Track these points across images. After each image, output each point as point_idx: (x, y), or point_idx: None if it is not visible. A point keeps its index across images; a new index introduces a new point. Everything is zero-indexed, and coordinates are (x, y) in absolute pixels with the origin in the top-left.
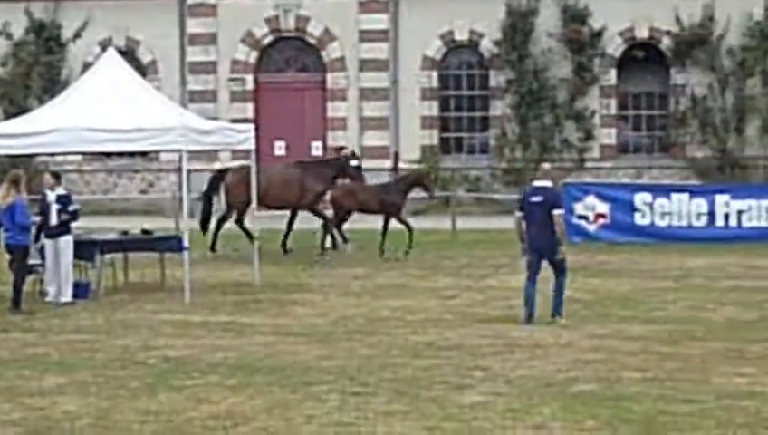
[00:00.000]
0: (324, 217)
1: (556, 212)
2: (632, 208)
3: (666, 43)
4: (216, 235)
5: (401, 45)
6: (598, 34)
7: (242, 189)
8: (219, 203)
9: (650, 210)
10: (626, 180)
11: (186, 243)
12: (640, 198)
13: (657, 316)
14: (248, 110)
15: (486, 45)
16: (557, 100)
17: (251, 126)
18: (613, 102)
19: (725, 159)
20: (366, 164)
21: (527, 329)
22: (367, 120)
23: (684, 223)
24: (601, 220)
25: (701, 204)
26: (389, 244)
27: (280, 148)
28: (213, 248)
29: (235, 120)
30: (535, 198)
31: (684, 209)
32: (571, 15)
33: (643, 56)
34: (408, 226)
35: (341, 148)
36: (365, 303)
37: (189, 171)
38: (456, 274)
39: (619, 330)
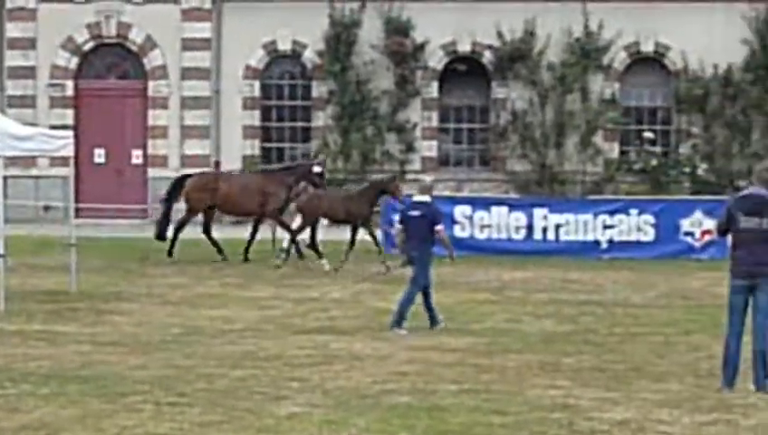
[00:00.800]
0: (287, 227)
1: (438, 228)
2: (452, 221)
3: (487, 57)
4: (174, 240)
5: (224, 54)
6: (420, 47)
7: (203, 195)
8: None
9: (470, 223)
10: (446, 193)
11: (0, 250)
12: (460, 211)
13: (475, 329)
14: (68, 116)
15: (309, 56)
16: (379, 111)
17: (70, 132)
18: (435, 115)
19: (544, 173)
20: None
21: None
22: (188, 129)
23: (503, 236)
24: None
25: (520, 217)
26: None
27: (100, 155)
28: (170, 253)
29: (54, 127)
30: (414, 213)
31: (503, 222)
32: (395, 28)
33: (465, 70)
34: (373, 236)
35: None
36: (183, 312)
37: (6, 177)
38: (277, 284)
39: (438, 342)
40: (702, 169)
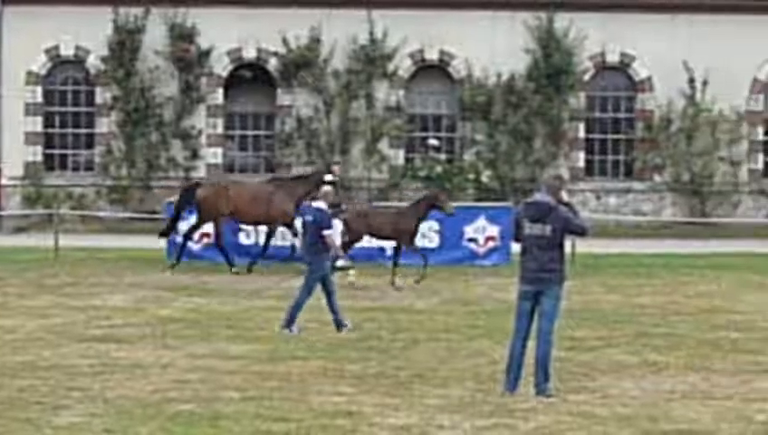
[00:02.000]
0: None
1: (325, 233)
2: (238, 229)
3: (273, 63)
4: (182, 248)
5: (4, 60)
6: (205, 54)
7: (215, 203)
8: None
9: (255, 230)
10: None
11: None
12: None
13: (259, 335)
14: None
15: (93, 61)
16: (164, 118)
17: None
18: (220, 122)
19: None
20: None
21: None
22: None
23: (287, 243)
24: (206, 239)
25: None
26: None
27: None
28: (178, 260)
29: None
30: (308, 218)
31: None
32: (179, 34)
33: (250, 76)
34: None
35: (335, 163)
36: None
37: None
38: (58, 292)
39: (221, 349)
40: (486, 175)
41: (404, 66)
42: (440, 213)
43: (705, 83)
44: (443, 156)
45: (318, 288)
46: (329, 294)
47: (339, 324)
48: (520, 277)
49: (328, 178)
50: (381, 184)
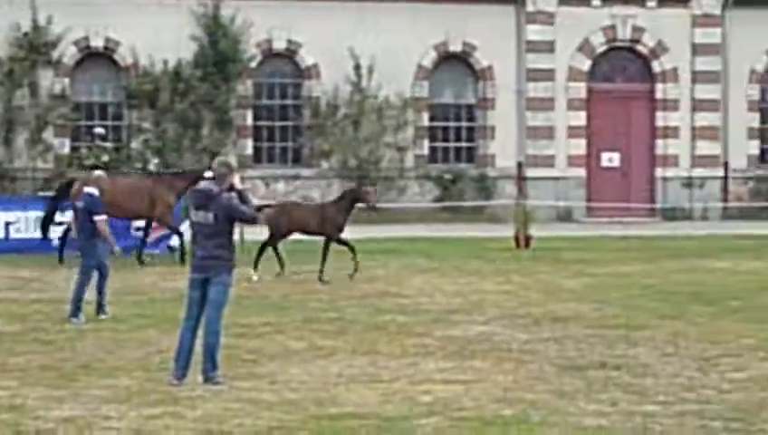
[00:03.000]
0: (176, 230)
1: (97, 219)
2: None
3: None
4: (62, 244)
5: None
6: None
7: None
8: None
9: None
10: None
11: None
12: None
13: None
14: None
15: None
16: None
17: None
18: None
19: None
20: None
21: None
22: None
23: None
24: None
25: None
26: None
27: None
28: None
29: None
30: (80, 204)
31: None
32: None
33: None
34: (349, 245)
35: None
36: None
37: None
38: None
39: None
40: (153, 163)
41: (69, 54)
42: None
43: (370, 70)
44: (110, 144)
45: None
46: (101, 278)
47: (100, 309)
48: (191, 266)
49: (208, 174)
50: (47, 174)
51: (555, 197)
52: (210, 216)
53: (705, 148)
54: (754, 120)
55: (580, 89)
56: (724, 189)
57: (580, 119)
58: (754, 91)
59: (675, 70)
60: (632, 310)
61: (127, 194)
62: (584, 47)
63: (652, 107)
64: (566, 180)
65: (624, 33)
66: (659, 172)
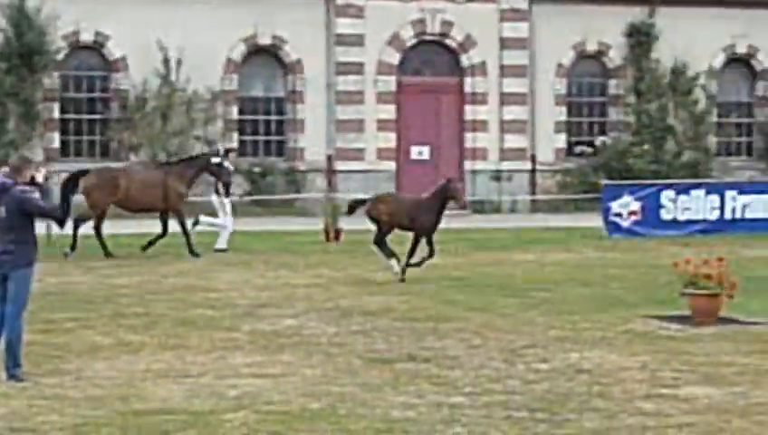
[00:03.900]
0: (183, 222)
1: None
2: None
3: None
4: (75, 235)
5: None
6: None
7: (102, 192)
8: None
9: None
10: None
11: None
12: None
13: None
14: None
15: None
16: None
17: None
18: None
19: None
20: None
21: None
22: None
23: None
24: None
25: None
26: None
27: None
28: (73, 247)
29: None
30: None
31: None
32: None
33: None
34: (431, 246)
35: (231, 150)
36: None
37: None
38: None
39: None
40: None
41: None
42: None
43: (179, 63)
44: None
45: None
46: None
47: None
48: None
49: (215, 160)
50: None
51: (365, 190)
52: (2, 210)
53: (513, 141)
54: (561, 113)
55: (389, 82)
56: (532, 182)
57: (389, 112)
58: (561, 86)
59: (483, 64)
60: (441, 302)
61: (140, 186)
62: (394, 41)
63: (461, 100)
64: (376, 173)
65: (433, 27)
66: (468, 165)
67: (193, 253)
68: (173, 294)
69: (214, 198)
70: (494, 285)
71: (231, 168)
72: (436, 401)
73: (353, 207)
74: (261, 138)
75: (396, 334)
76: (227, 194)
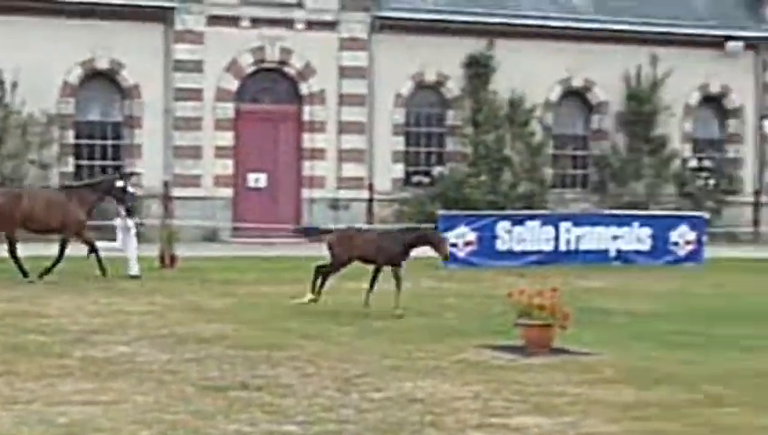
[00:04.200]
0: (90, 244)
1: None
2: None
3: None
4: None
5: None
6: None
7: (8, 214)
8: None
9: None
10: None
11: None
12: None
13: None
14: None
15: None
16: None
17: None
18: None
19: None
20: None
21: None
22: None
23: None
24: None
25: None
26: None
27: None
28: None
29: None
30: None
31: None
32: None
33: None
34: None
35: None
36: None
37: None
38: None
39: None
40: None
41: None
42: None
43: (14, 85)
44: None
45: None
46: None
47: None
48: None
49: (119, 184)
50: None
51: (202, 217)
52: None
53: (350, 170)
54: (399, 143)
55: (227, 109)
56: (370, 211)
57: (227, 139)
58: (399, 115)
59: (322, 92)
60: (275, 330)
61: (42, 208)
62: (232, 68)
63: (299, 128)
64: (212, 200)
65: (273, 55)
66: (306, 193)
67: (43, 275)
68: (4, 319)
69: (118, 221)
70: (329, 312)
71: (135, 192)
72: (268, 429)
73: (310, 233)
74: (97, 162)
75: (229, 362)
76: (131, 217)
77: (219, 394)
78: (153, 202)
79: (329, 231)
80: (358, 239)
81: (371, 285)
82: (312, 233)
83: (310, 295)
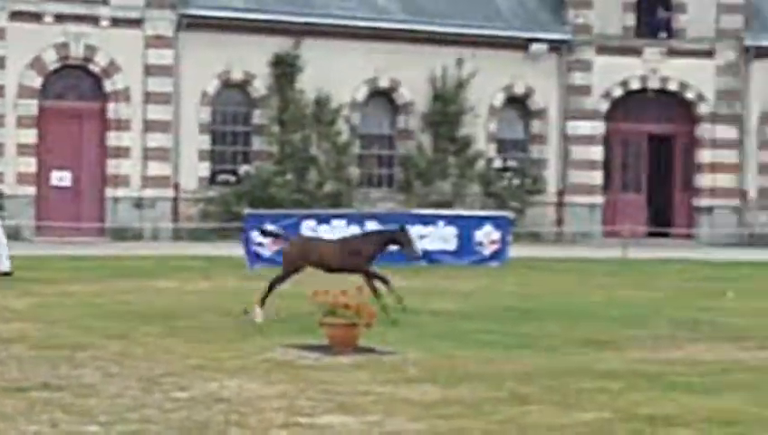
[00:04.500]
0: None
1: None
2: None
3: None
4: None
5: None
6: None
7: None
8: None
9: None
10: None
11: None
12: None
13: None
14: None
15: None
16: None
17: None
18: None
19: None
20: None
21: None
22: None
23: None
24: None
25: None
26: None
27: None
28: None
29: None
30: None
31: None
32: None
33: None
34: (375, 283)
35: None
36: None
37: None
38: None
39: None
40: None
41: None
42: None
43: None
44: None
45: None
46: None
47: None
48: None
49: None
50: None
51: (5, 215)
52: None
53: (156, 168)
54: (205, 142)
55: (30, 106)
56: (175, 210)
57: (30, 136)
58: (205, 114)
59: (127, 90)
60: (78, 330)
61: None
62: (36, 64)
63: (104, 126)
64: (15, 199)
65: (77, 52)
66: (110, 192)
67: None
68: None
69: None
70: (134, 312)
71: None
72: (69, 430)
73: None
74: None
75: (30, 362)
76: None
77: (20, 395)
78: None
79: (284, 236)
80: (316, 247)
81: (375, 288)
82: (270, 235)
83: (258, 310)
